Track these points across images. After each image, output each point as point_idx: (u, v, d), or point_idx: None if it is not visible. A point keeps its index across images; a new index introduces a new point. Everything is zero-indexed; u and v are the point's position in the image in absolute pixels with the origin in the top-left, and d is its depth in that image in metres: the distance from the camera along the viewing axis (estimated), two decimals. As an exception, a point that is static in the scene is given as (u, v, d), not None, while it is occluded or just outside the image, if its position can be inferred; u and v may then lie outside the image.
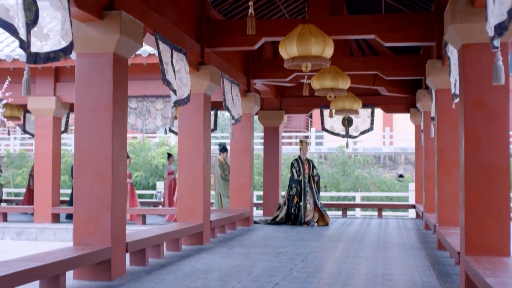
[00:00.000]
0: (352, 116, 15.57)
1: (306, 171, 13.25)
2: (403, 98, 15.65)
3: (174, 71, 8.19)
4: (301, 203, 12.97)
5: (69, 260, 5.70)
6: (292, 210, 13.05)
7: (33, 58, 5.07)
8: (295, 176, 13.17)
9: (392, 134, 31.39)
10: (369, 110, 15.82)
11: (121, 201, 6.75)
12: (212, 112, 15.12)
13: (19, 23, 4.79)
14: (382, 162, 28.19)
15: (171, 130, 15.39)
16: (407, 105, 15.79)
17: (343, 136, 16.04)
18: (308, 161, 13.50)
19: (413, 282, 6.44)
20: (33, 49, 5.10)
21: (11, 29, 4.67)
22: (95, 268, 6.37)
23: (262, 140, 18.03)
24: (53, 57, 5.29)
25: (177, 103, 8.34)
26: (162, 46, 7.89)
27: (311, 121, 39.44)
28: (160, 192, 18.13)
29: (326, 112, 16.16)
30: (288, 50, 7.78)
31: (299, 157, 13.44)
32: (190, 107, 9.19)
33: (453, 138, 8.97)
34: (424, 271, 7.17)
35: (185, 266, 7.50)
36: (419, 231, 12.07)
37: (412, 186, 20.16)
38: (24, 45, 4.82)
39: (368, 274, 6.94)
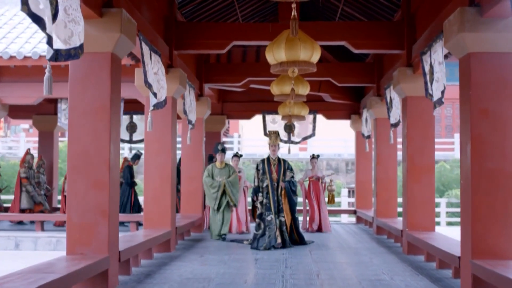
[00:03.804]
0: (295, 122, 15.64)
1: (274, 174, 10.19)
2: (345, 104, 15.94)
3: (153, 73, 7.93)
4: (269, 217, 9.89)
5: (78, 272, 5.34)
6: (255, 228, 10.13)
7: (54, 55, 4.74)
8: (256, 181, 10.32)
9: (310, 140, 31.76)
10: (311, 116, 15.95)
11: (116, 208, 6.44)
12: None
13: (46, 17, 4.48)
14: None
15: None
16: (349, 112, 16.08)
17: (285, 142, 16.07)
18: (280, 161, 10.39)
19: None
20: (54, 45, 4.77)
21: (42, 24, 4.35)
22: (92, 278, 6.01)
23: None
24: (73, 55, 4.98)
25: (156, 106, 8.09)
26: (144, 47, 7.62)
27: (228, 127, 39.42)
28: None
29: (268, 117, 16.20)
30: (276, 55, 7.68)
31: (268, 156, 10.47)
32: (157, 111, 8.88)
33: (423, 145, 9.19)
34: (412, 276, 7.25)
35: (171, 275, 7.24)
36: (372, 236, 12.24)
37: (344, 191, 20.55)
38: (51, 41, 4.50)
39: (364, 280, 6.94)
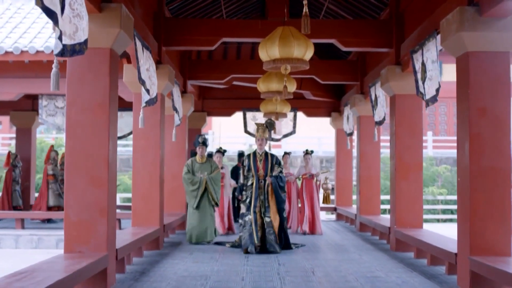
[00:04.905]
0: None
1: (261, 171, 9.30)
2: (325, 102, 16.00)
3: (145, 69, 7.86)
4: (248, 217, 9.13)
5: (80, 271, 5.26)
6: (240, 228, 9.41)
7: (61, 51, 4.67)
8: (242, 179, 9.46)
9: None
10: (291, 114, 15.96)
11: (113, 205, 6.37)
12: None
13: (58, 11, 4.41)
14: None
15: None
16: (329, 109, 16.15)
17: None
18: (267, 156, 9.46)
19: (412, 285, 6.54)
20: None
21: (54, 17, 4.29)
22: (92, 277, 5.92)
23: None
24: (78, 50, 4.90)
25: (148, 103, 8.02)
26: (138, 43, 7.55)
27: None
28: None
29: (249, 114, 16.19)
30: (270, 52, 7.68)
31: (255, 151, 9.54)
32: (145, 108, 8.76)
33: (411, 142, 9.29)
34: (406, 272, 7.32)
35: (166, 272, 7.19)
36: (356, 233, 12.30)
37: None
38: (61, 36, 4.44)
39: (360, 277, 6.97)
